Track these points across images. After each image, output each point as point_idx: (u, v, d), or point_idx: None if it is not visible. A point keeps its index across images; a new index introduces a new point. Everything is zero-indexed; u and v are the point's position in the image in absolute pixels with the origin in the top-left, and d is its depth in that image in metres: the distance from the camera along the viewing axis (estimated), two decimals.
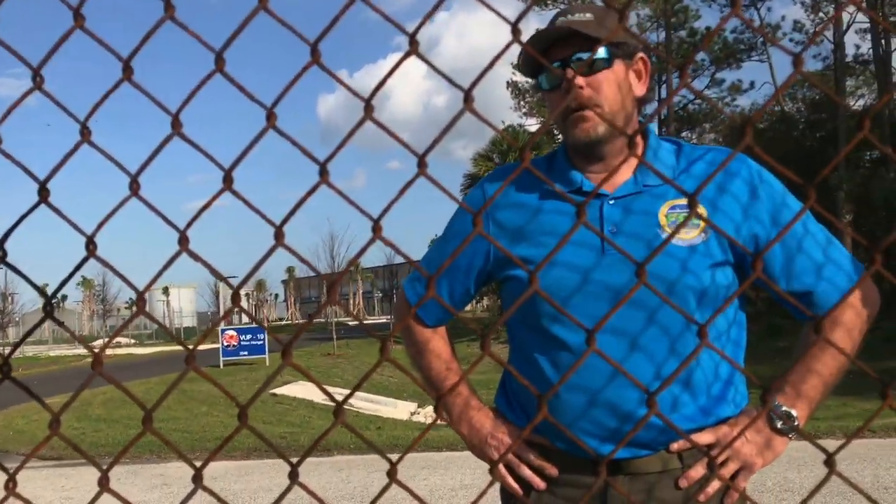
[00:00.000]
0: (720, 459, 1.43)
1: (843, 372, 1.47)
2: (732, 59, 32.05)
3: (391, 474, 0.60)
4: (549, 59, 1.47)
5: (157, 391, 15.76)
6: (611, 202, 1.49)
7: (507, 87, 32.70)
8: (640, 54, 1.53)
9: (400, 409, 15.21)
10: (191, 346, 0.64)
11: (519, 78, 31.10)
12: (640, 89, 1.52)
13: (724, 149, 1.65)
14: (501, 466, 1.56)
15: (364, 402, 15.14)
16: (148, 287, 0.62)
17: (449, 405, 1.65)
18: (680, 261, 1.43)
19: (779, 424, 1.44)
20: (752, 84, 32.70)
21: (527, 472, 1.54)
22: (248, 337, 20.64)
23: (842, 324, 1.48)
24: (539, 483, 1.53)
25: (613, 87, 1.48)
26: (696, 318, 1.42)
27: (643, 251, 1.41)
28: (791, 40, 31.74)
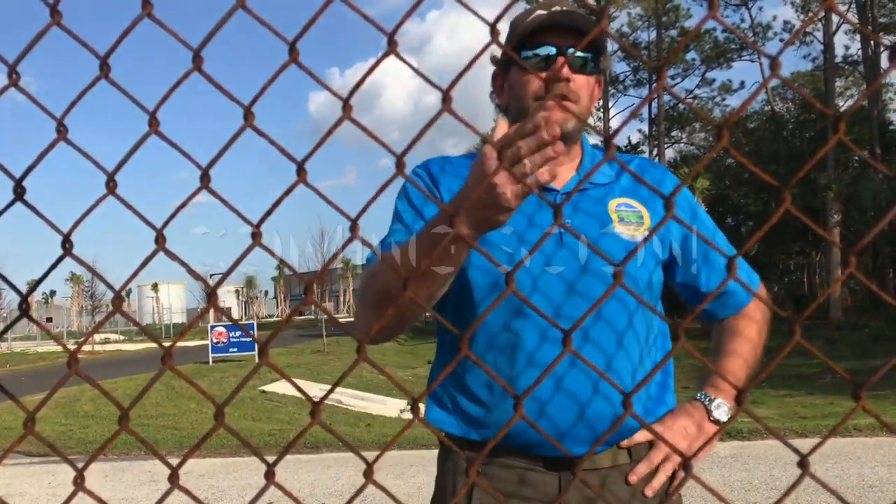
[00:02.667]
0: (659, 456, 1.50)
1: (758, 362, 1.63)
2: (723, 59, 32.16)
3: (367, 475, 0.60)
4: (541, 41, 1.47)
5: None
6: (562, 197, 1.52)
7: None
8: (601, 77, 1.57)
9: (389, 407, 15.20)
10: (169, 344, 0.64)
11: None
12: (592, 106, 1.58)
13: (646, 158, 1.73)
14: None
15: (354, 400, 15.13)
16: (123, 286, 0.62)
17: (420, 241, 1.24)
18: (636, 257, 1.50)
19: (716, 416, 1.53)
20: (742, 84, 32.89)
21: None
22: (238, 334, 20.54)
23: (756, 321, 1.65)
24: None
25: (588, 91, 1.51)
26: (637, 316, 1.49)
27: (600, 243, 1.46)
28: (781, 40, 31.86)
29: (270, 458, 0.61)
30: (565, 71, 1.46)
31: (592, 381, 1.43)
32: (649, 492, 1.49)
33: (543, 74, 1.45)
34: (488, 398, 1.49)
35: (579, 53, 1.48)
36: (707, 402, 1.54)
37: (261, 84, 0.64)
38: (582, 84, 1.49)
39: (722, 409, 1.53)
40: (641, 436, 1.50)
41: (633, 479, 1.49)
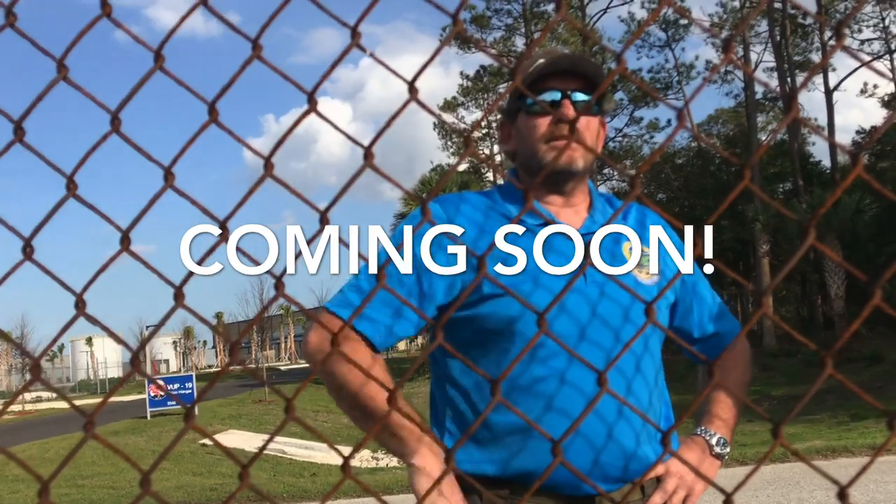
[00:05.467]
0: (671, 488, 1.54)
1: (745, 396, 1.70)
2: (650, 98, 33.13)
3: None
4: (545, 86, 1.53)
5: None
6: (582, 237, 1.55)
7: (434, 129, 33.14)
8: (604, 119, 1.65)
9: (335, 455, 14.91)
10: (91, 412, 0.62)
11: (445, 119, 31.42)
12: (598, 145, 1.64)
13: (642, 206, 1.78)
14: None
15: (298, 449, 14.82)
16: (43, 353, 0.60)
17: (399, 437, 1.42)
18: (651, 299, 1.52)
19: (718, 450, 1.59)
20: (668, 122, 33.80)
21: None
22: (176, 386, 20.04)
23: (741, 361, 1.74)
24: None
25: (594, 133, 1.58)
26: (646, 356, 1.55)
27: (619, 285, 1.50)
28: (705, 79, 33.01)
29: None
30: (570, 112, 1.51)
31: (614, 418, 1.48)
32: None
33: (549, 118, 1.52)
34: (512, 439, 1.49)
35: (582, 96, 1.54)
36: (707, 437, 1.60)
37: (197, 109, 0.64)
38: (587, 125, 1.55)
39: (722, 443, 1.60)
40: (654, 471, 1.54)
41: None
